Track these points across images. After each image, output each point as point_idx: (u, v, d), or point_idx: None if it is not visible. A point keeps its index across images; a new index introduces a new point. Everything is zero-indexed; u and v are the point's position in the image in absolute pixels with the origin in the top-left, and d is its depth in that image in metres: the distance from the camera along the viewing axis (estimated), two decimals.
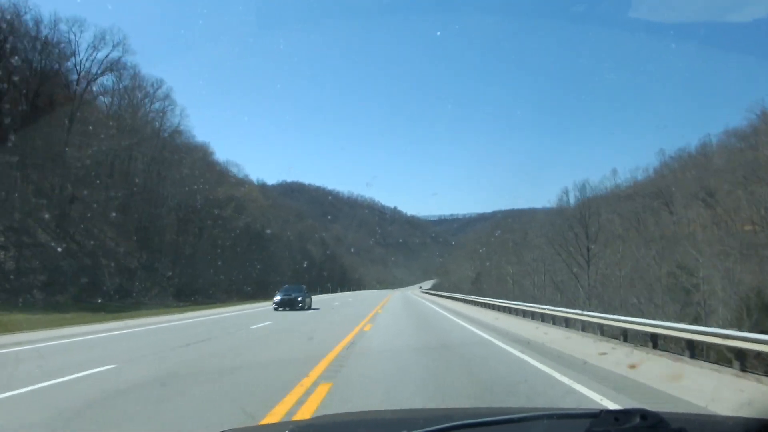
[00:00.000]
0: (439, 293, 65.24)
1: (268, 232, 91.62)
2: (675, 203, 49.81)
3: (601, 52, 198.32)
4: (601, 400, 6.45)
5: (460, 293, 50.81)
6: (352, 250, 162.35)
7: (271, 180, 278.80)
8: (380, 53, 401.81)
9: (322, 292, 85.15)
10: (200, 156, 55.14)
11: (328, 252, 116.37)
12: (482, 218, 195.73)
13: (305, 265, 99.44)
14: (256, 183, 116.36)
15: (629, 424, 1.61)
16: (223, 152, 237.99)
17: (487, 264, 68.34)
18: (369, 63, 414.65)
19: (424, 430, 1.60)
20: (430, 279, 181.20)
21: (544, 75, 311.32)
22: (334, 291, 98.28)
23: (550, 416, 1.81)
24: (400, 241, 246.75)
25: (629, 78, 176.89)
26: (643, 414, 1.63)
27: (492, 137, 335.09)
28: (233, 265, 61.21)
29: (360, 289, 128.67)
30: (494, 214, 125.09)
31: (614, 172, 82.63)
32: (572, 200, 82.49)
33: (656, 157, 72.36)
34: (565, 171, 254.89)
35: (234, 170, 73.19)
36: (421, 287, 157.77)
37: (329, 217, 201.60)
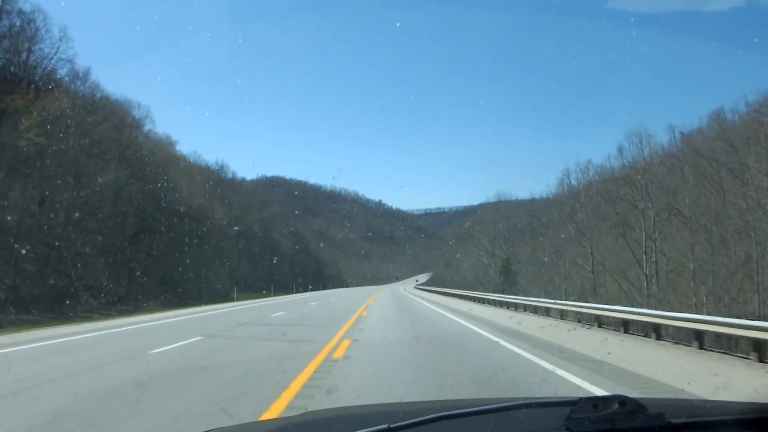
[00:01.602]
0: (456, 292, 41.27)
1: (236, 228, 78.13)
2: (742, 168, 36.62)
3: (579, 43, 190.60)
4: None
5: (482, 290, 37.43)
6: (322, 245, 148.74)
7: (251, 176, 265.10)
8: (366, 49, 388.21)
9: (280, 293, 71.24)
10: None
11: (297, 247, 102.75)
12: (469, 211, 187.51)
13: (275, 261, 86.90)
14: (237, 178, 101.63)
15: (608, 411, 1.60)
16: (208, 153, 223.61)
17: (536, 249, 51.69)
18: (351, 57, 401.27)
19: (405, 422, 1.59)
20: (423, 272, 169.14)
21: (528, 67, 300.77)
22: (306, 290, 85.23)
23: (528, 405, 1.80)
24: (386, 234, 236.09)
25: (605, 67, 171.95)
26: (622, 400, 1.62)
27: (477, 131, 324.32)
28: (200, 263, 48.47)
29: (341, 286, 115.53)
30: (481, 206, 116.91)
31: (621, 150, 71.32)
32: (574, 182, 71.72)
33: (666, 134, 62.03)
34: (549, 164, 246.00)
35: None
36: (417, 280, 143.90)
37: (301, 211, 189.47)
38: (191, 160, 71.96)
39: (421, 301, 36.18)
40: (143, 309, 31.50)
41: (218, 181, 72.95)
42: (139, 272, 34.22)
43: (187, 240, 42.22)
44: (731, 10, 79.22)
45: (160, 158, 44.84)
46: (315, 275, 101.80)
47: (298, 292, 75.95)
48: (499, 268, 53.34)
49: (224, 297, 48.82)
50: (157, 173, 38.30)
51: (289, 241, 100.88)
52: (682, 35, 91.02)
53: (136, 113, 45.79)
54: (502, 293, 34.72)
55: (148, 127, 47.62)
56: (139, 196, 35.13)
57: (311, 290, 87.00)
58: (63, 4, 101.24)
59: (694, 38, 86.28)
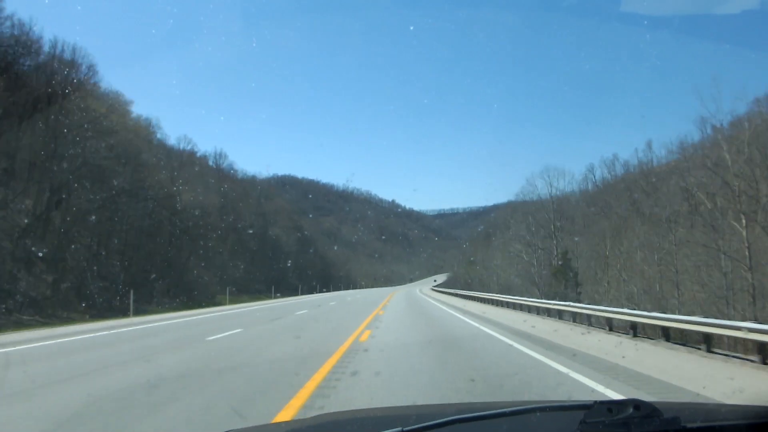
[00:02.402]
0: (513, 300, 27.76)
1: (240, 224, 72.23)
2: None
3: (592, 46, 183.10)
4: None
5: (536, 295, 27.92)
6: (336, 247, 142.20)
7: (264, 174, 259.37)
8: (379, 52, 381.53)
9: (275, 296, 62.79)
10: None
11: (311, 250, 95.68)
12: (483, 212, 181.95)
13: (289, 264, 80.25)
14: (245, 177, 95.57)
15: (623, 415, 1.57)
16: (211, 148, 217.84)
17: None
18: (365, 59, 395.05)
19: (419, 426, 1.57)
20: (437, 273, 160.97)
21: (540, 70, 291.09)
22: (315, 291, 77.90)
23: (542, 409, 1.78)
24: (399, 235, 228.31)
25: (618, 70, 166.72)
26: (637, 404, 1.60)
27: (491, 133, 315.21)
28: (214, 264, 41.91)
29: (352, 288, 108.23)
30: (495, 207, 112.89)
31: (649, 145, 69.98)
32: (599, 178, 69.03)
33: (695, 127, 57.05)
34: (563, 165, 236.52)
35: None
36: (435, 280, 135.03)
37: (312, 211, 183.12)
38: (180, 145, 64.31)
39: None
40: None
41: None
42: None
43: (160, 231, 34.62)
44: (744, 13, 74.34)
45: (116, 124, 37.05)
46: (324, 276, 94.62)
47: (275, 297, 58.58)
48: (555, 266, 43.69)
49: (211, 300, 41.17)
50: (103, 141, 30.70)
51: (296, 239, 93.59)
52: (694, 38, 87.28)
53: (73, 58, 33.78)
54: (565, 299, 25.46)
55: (93, 80, 37.33)
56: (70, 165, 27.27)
57: (320, 292, 79.72)
58: (79, 8, 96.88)
59: (706, 41, 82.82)
